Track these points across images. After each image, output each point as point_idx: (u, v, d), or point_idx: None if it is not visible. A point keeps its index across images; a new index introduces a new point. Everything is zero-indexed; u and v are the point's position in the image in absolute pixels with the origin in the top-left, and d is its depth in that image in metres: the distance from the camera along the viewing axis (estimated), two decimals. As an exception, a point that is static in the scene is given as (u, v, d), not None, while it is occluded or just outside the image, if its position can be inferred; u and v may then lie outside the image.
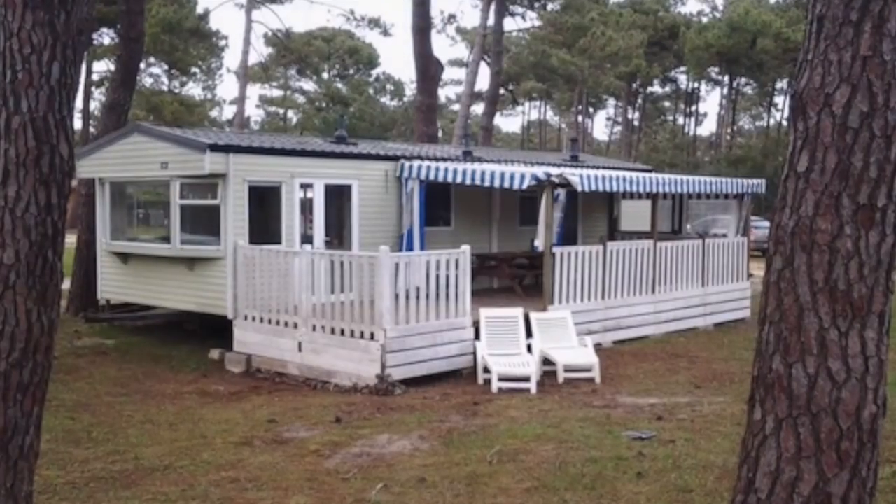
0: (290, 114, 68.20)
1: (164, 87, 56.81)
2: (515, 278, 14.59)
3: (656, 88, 68.48)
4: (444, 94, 68.05)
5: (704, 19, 58.61)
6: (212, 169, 11.88)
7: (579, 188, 12.50)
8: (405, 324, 10.56)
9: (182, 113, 50.20)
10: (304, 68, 59.35)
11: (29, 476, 3.81)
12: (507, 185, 12.71)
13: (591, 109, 72.35)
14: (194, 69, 58.40)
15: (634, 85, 63.92)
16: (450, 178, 13.41)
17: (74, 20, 3.77)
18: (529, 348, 10.97)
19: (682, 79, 66.37)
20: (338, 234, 13.76)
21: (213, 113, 65.50)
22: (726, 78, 59.05)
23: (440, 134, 36.21)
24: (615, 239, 16.72)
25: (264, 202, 12.52)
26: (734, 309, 15.91)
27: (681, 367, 11.62)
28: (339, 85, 65.26)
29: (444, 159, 14.65)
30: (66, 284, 14.76)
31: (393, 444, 7.77)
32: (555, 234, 12.98)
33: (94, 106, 50.81)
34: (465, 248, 11.23)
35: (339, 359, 10.65)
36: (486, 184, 13.06)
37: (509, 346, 10.96)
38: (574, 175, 12.53)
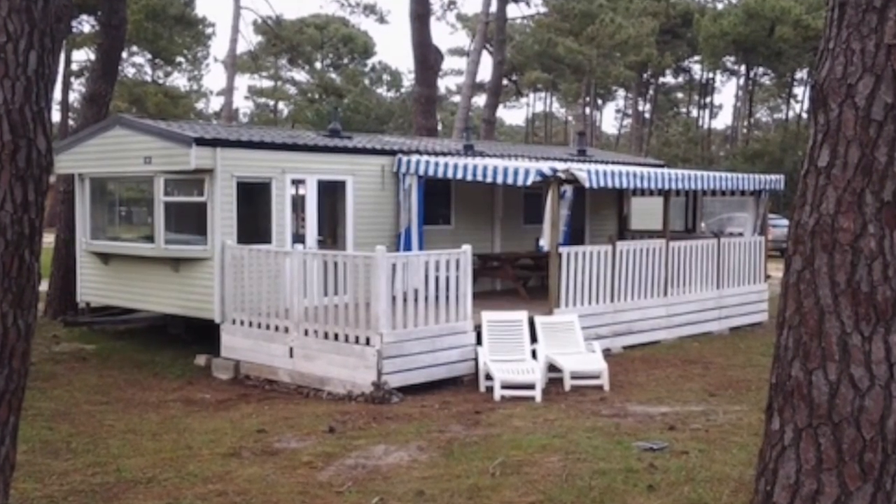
0: (281, 106, 68.29)
1: (148, 78, 56.86)
2: (519, 280, 14.60)
3: (668, 79, 68.53)
4: (443, 84, 68.30)
5: (720, 6, 58.61)
6: (198, 164, 11.88)
7: (587, 184, 12.50)
8: (403, 328, 10.56)
9: (166, 105, 50.27)
10: (296, 57, 59.34)
11: (4, 489, 3.81)
12: (510, 181, 12.72)
13: (599, 101, 72.39)
14: (179, 58, 58.45)
15: (645, 75, 63.93)
16: (450, 174, 13.41)
17: (52, 7, 3.77)
18: (534, 354, 10.97)
19: (696, 69, 66.45)
20: (331, 232, 13.77)
21: (200, 105, 65.70)
22: (743, 68, 59.07)
23: (440, 127, 36.23)
24: (625, 238, 16.72)
25: (254, 199, 12.52)
26: (751, 312, 15.92)
27: (694, 373, 11.63)
28: (333, 75, 65.32)
29: (444, 154, 14.66)
30: (43, 286, 14.77)
31: (390, 455, 7.78)
32: (561, 233, 12.99)
33: (74, 97, 50.93)
34: (466, 247, 11.24)
35: (333, 365, 10.66)
36: (489, 180, 13.07)
37: (513, 351, 10.97)
38: (581, 170, 12.53)
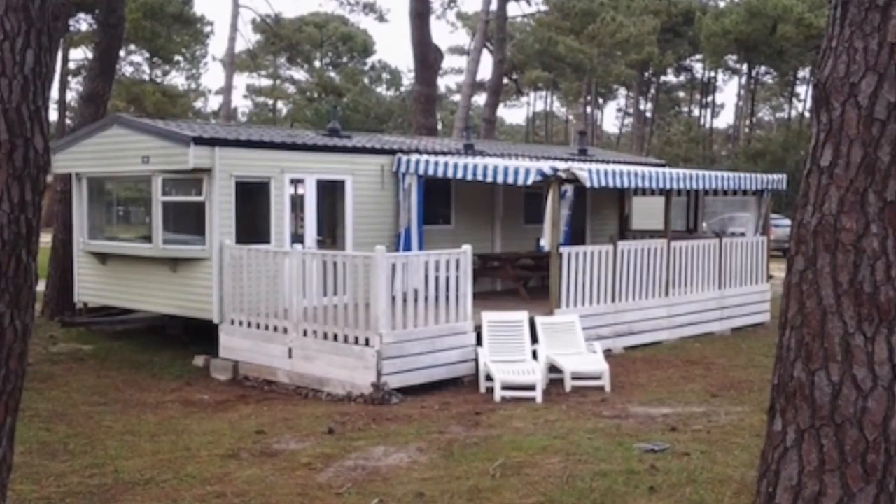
0: (280, 105, 68.25)
1: (146, 77, 56.85)
2: (520, 280, 14.59)
3: (670, 78, 68.50)
4: (443, 83, 68.19)
5: (721, 4, 58.58)
6: (196, 163, 11.88)
7: (588, 184, 12.51)
8: (402, 328, 10.56)
9: (164, 104, 50.23)
10: (295, 56, 59.37)
11: (2, 491, 3.80)
12: (510, 180, 12.72)
13: (600, 100, 72.36)
14: (178, 57, 58.46)
15: (647, 74, 63.94)
16: (450, 174, 13.41)
17: (50, 5, 3.77)
18: (535, 355, 10.98)
19: (698, 67, 66.42)
20: (331, 232, 13.76)
21: (198, 104, 65.63)
22: (745, 66, 59.06)
23: (440, 126, 36.21)
24: (626, 238, 16.73)
25: (252, 199, 12.52)
26: (753, 313, 15.92)
27: (696, 374, 11.63)
28: (332, 74, 65.29)
29: (444, 153, 14.66)
30: (40, 286, 14.76)
31: (389, 456, 7.78)
32: (562, 233, 13.00)
33: (71, 96, 50.93)
34: (467, 247, 11.24)
35: (332, 366, 10.66)
36: (489, 179, 13.07)
37: (513, 352, 10.97)
38: (582, 170, 12.53)
